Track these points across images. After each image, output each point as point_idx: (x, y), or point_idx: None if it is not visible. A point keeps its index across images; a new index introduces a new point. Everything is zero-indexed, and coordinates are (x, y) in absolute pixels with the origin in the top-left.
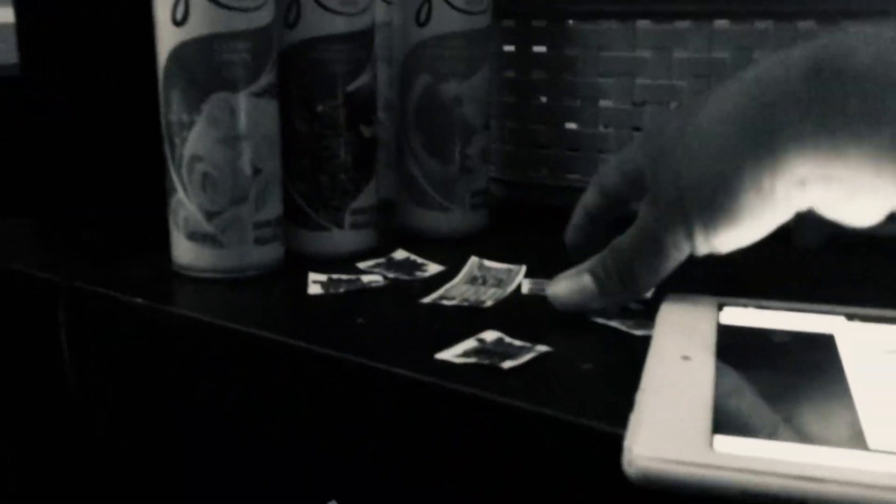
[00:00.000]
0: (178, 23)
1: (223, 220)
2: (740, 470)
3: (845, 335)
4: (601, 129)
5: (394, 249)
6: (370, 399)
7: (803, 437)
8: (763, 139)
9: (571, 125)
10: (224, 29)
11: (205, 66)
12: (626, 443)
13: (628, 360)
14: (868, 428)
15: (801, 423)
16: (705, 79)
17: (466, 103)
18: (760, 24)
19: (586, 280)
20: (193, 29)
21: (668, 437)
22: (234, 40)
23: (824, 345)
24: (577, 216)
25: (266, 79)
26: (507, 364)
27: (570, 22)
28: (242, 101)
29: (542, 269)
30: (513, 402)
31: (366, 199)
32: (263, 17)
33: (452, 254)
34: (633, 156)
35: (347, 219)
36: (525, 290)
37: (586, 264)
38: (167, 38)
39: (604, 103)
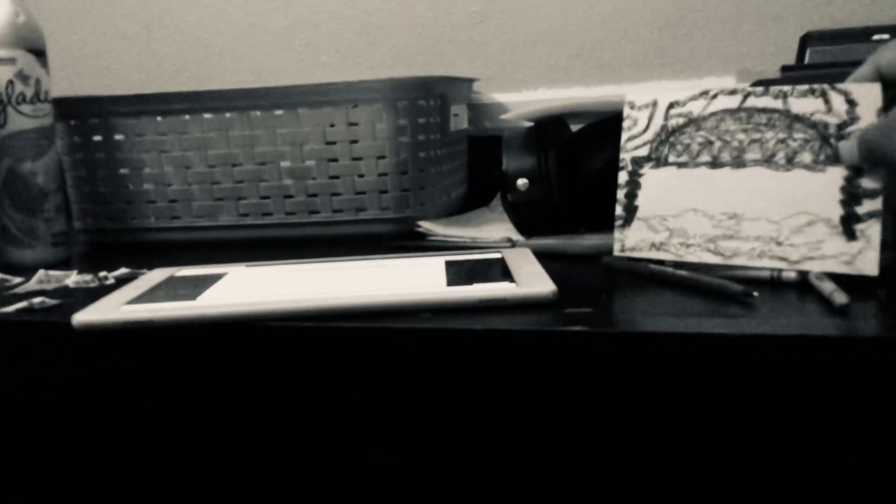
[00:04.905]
0: None
1: None
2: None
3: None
4: (145, 187)
5: None
6: None
7: None
8: None
9: (127, 187)
10: None
11: None
12: None
13: None
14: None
15: None
16: (199, 151)
17: (41, 175)
18: (231, 115)
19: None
20: None
21: None
22: None
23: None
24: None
25: None
26: None
27: (114, 119)
28: None
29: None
30: None
31: None
32: None
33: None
34: None
35: None
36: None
37: None
38: None
39: (146, 170)
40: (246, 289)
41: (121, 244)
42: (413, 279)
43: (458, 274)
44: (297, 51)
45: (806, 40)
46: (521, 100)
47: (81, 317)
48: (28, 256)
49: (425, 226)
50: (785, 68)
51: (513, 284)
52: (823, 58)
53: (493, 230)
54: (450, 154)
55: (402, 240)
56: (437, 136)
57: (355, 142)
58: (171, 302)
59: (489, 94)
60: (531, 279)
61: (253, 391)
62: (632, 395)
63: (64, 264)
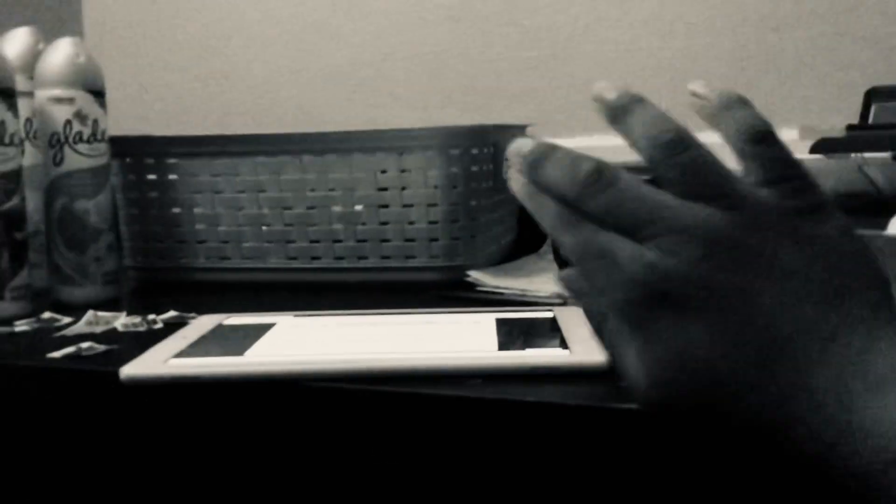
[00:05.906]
0: None
1: None
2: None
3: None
4: (196, 227)
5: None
6: None
7: None
8: None
9: (179, 226)
10: None
11: None
12: None
13: None
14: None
15: None
16: (252, 193)
17: (93, 214)
18: (284, 158)
19: None
20: None
21: None
22: None
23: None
24: None
25: None
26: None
27: (169, 159)
28: None
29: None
30: None
31: (20, 280)
32: None
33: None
34: None
35: (8, 294)
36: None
37: None
38: None
39: (198, 210)
40: (293, 344)
41: (170, 282)
42: (464, 340)
43: (510, 335)
44: (350, 91)
45: (871, 96)
46: (574, 145)
47: (129, 370)
48: (78, 294)
49: (475, 276)
50: (850, 127)
51: (566, 352)
52: (889, 114)
53: (543, 281)
54: (501, 201)
55: (452, 288)
56: (490, 183)
57: (406, 188)
58: (218, 357)
59: (542, 139)
60: (583, 345)
61: (298, 450)
62: (691, 481)
63: (114, 302)
